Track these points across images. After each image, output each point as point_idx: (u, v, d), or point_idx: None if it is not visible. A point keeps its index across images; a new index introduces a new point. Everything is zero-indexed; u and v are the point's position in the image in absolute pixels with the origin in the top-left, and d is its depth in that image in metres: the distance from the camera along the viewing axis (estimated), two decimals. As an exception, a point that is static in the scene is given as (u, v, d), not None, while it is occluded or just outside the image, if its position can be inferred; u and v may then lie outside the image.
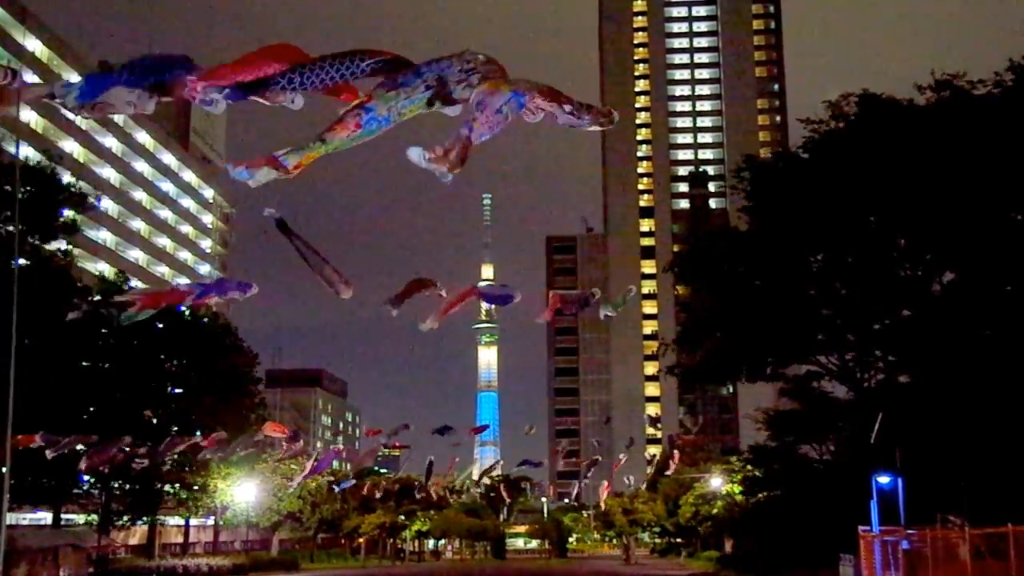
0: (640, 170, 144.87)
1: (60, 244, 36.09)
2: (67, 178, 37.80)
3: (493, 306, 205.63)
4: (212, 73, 5.79)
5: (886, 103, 31.41)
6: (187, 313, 44.39)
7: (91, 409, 37.88)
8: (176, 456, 34.64)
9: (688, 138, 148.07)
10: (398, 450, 32.68)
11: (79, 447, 26.20)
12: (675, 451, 66.92)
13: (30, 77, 75.36)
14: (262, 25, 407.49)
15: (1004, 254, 29.15)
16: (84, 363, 38.33)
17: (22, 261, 31.07)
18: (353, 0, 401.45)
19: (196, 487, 46.87)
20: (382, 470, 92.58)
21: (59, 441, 24.00)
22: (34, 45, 76.29)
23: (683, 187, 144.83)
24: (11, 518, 43.93)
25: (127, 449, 26.79)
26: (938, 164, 28.77)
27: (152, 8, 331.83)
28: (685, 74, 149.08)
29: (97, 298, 36.04)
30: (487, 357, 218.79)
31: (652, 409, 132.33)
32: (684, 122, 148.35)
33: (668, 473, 68.31)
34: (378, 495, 49.57)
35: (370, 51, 5.97)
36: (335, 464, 67.87)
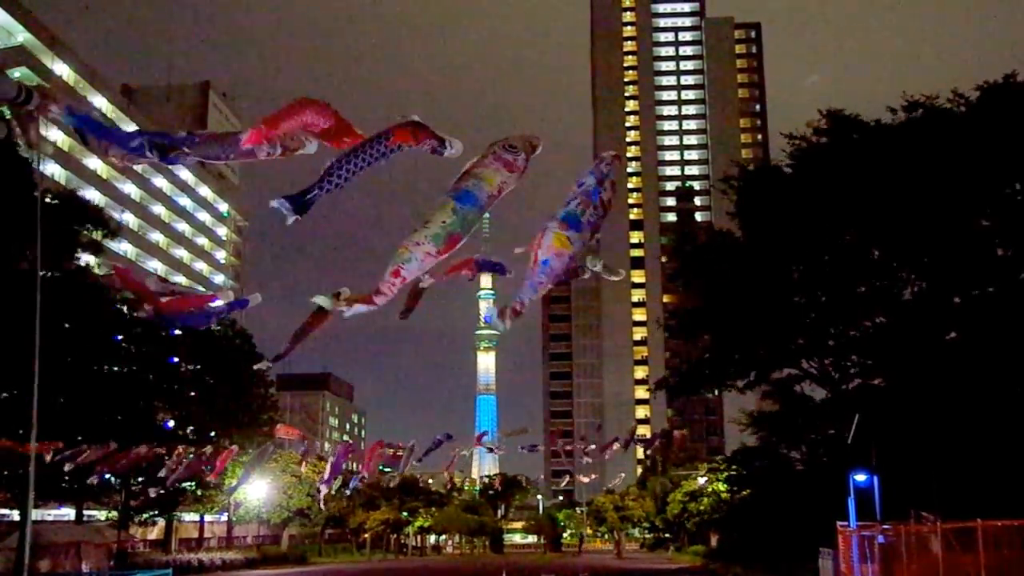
0: (630, 185, 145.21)
1: (85, 258, 36.04)
2: (91, 193, 37.74)
3: (492, 310, 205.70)
4: (266, 123, 5.59)
5: (854, 122, 31.59)
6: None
7: (110, 412, 37.76)
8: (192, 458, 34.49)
9: (675, 155, 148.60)
10: (401, 450, 32.68)
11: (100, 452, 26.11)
12: (658, 455, 66.82)
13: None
14: (277, 54, 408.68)
15: (968, 263, 29.30)
16: (103, 368, 38.24)
17: (43, 272, 31.03)
18: (351, 27, 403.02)
19: (211, 485, 46.75)
20: (386, 469, 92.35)
21: (79, 452, 23.93)
22: (62, 69, 76.47)
23: (670, 201, 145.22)
24: (36, 514, 43.84)
25: (145, 453, 26.70)
26: (906, 179, 28.93)
27: (174, 36, 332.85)
28: (672, 95, 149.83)
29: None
30: (486, 362, 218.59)
31: (641, 411, 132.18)
32: (671, 140, 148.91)
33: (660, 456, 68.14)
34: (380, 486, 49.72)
35: (397, 131, 5.83)
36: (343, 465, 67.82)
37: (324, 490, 34.33)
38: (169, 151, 5.56)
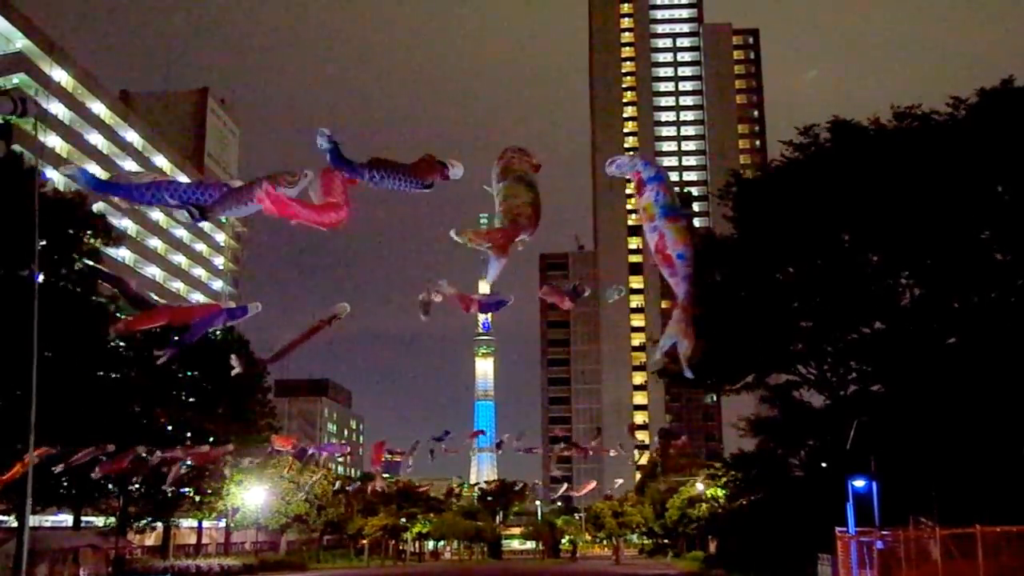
0: (628, 191, 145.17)
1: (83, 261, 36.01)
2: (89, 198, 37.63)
3: (490, 316, 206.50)
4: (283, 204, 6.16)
5: (855, 129, 31.62)
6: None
7: (107, 417, 37.67)
8: (192, 463, 34.49)
9: (673, 161, 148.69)
10: (399, 455, 32.82)
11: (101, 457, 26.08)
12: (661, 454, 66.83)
13: (56, 106, 75.61)
14: (276, 61, 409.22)
15: (967, 268, 29.33)
16: (100, 373, 38.15)
17: (44, 278, 31.03)
18: (350, 33, 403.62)
19: (210, 491, 46.66)
20: (384, 475, 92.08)
21: (76, 453, 23.90)
22: (60, 76, 76.52)
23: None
24: (34, 520, 43.58)
25: (144, 457, 26.68)
26: (906, 185, 28.99)
27: (174, 40, 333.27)
28: (670, 101, 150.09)
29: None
30: (484, 368, 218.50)
31: (640, 417, 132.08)
32: (670, 146, 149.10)
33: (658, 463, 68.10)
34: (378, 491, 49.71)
35: (424, 170, 6.41)
36: (340, 470, 67.68)
37: (314, 478, 34.48)
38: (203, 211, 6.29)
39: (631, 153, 7.85)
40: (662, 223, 6.43)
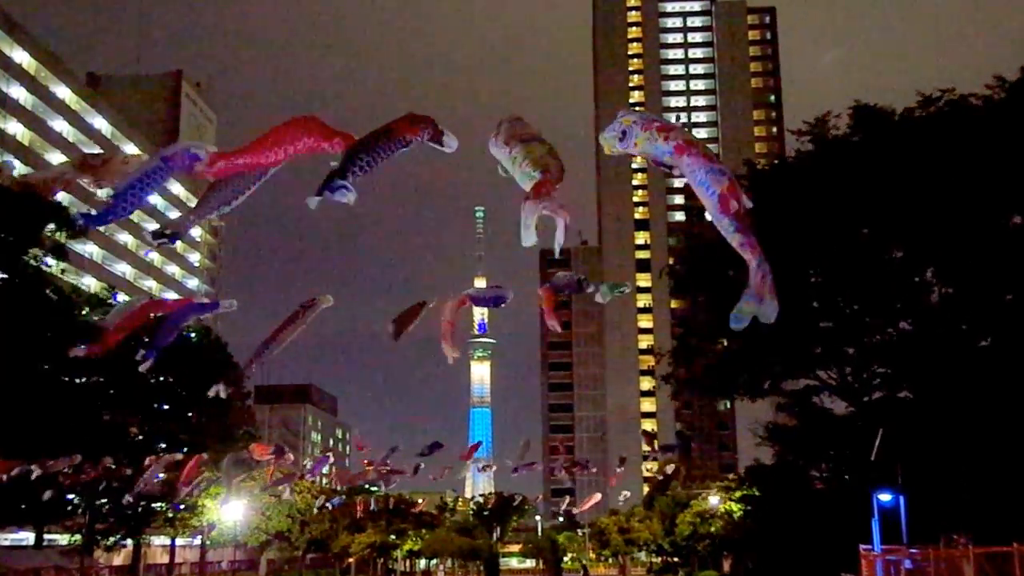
0: (635, 182, 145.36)
1: (47, 260, 35.87)
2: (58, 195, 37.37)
3: (486, 317, 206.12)
4: (237, 155, 6.21)
5: (879, 114, 31.53)
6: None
7: (74, 426, 37.53)
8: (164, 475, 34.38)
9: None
10: (381, 466, 33.07)
11: (65, 469, 25.96)
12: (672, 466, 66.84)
13: (17, 90, 75.39)
14: (249, 39, 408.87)
15: (1001, 263, 29.23)
16: (66, 378, 38.00)
17: (4, 276, 30.91)
18: (336, 10, 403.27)
19: (183, 505, 46.48)
20: (372, 488, 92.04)
21: (43, 465, 23.78)
22: (22, 57, 76.28)
23: (679, 199, 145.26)
24: (-8, 539, 43.33)
25: (112, 468, 26.65)
26: (932, 175, 28.90)
27: (146, 20, 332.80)
28: (680, 85, 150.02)
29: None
30: (480, 372, 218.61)
31: (648, 425, 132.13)
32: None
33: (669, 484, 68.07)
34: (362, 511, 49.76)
35: (405, 127, 6.18)
36: (325, 482, 67.71)
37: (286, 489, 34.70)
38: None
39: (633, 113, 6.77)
40: (714, 170, 5.73)
